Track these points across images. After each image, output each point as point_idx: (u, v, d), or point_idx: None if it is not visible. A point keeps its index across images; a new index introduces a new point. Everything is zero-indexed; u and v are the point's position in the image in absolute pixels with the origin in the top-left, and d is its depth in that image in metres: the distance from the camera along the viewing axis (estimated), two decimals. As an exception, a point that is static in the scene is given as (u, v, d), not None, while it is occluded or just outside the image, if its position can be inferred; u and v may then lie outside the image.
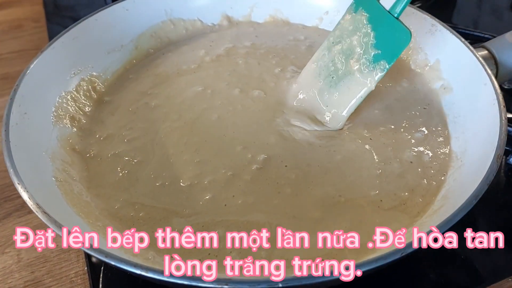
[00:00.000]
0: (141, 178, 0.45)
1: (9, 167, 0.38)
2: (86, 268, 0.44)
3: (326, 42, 0.51)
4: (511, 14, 0.74)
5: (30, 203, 0.35)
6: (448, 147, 0.46)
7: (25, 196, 0.36)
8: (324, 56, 0.51)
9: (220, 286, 0.29)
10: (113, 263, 0.31)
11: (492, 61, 0.49)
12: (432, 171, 0.44)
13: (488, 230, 0.45)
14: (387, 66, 0.45)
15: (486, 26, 0.52)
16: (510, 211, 0.46)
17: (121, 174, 0.45)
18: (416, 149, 0.46)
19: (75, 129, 0.49)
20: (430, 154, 0.46)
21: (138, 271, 0.30)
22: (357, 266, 0.30)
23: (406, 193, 0.42)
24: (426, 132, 0.48)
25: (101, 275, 0.43)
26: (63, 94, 0.51)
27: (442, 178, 0.43)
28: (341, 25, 0.49)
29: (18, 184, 0.37)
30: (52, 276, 0.44)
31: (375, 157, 0.46)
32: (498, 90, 0.43)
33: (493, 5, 0.77)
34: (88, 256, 0.45)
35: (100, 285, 0.43)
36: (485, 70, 0.45)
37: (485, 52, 0.50)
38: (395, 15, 0.45)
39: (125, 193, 0.44)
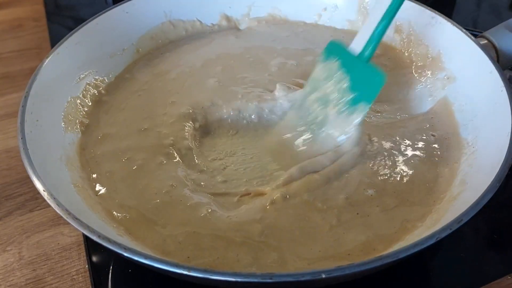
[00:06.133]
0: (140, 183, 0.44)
1: (31, 175, 0.37)
2: (87, 266, 0.44)
3: (301, 92, 0.50)
4: (510, 13, 0.76)
5: (58, 209, 0.35)
6: (457, 135, 0.48)
7: (52, 203, 0.35)
8: (300, 106, 0.49)
9: (264, 280, 0.30)
10: (155, 265, 0.31)
11: (493, 50, 0.51)
12: (441, 159, 0.46)
13: (487, 229, 0.47)
14: (367, 107, 0.45)
15: (485, 25, 0.53)
16: (509, 209, 0.48)
17: (123, 176, 0.45)
18: (423, 138, 0.48)
19: (85, 134, 0.49)
20: (437, 143, 0.47)
21: (180, 271, 0.30)
22: (396, 254, 0.31)
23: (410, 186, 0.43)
24: (431, 122, 0.49)
25: (110, 274, 0.43)
26: (71, 99, 0.50)
27: (455, 165, 0.45)
28: (313, 75, 0.49)
29: (44, 191, 0.36)
30: (53, 274, 0.44)
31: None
32: (505, 77, 0.44)
33: (492, 5, 0.80)
34: (89, 254, 0.45)
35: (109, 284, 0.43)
36: (490, 58, 0.47)
37: (485, 41, 0.51)
38: (365, 60, 0.46)
39: (132, 199, 0.43)
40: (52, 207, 0.35)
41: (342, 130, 0.46)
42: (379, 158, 0.46)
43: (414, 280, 0.43)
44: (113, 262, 0.44)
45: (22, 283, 0.44)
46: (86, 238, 0.46)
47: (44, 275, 0.44)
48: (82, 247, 0.46)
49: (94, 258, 0.45)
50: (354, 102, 0.45)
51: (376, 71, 0.45)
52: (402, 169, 0.45)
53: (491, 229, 0.47)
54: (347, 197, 0.42)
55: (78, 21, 0.57)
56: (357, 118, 0.45)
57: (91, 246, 0.46)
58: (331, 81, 0.47)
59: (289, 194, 0.42)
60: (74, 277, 0.44)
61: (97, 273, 0.44)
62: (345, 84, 0.46)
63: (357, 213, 0.41)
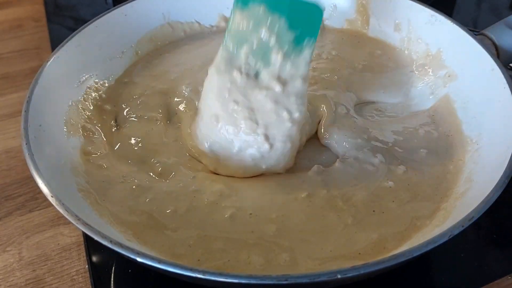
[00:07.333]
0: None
1: (38, 180, 0.37)
2: (87, 266, 0.45)
3: (217, 61, 0.45)
4: (510, 13, 0.76)
5: (67, 215, 0.35)
6: (460, 132, 0.48)
7: (61, 209, 0.35)
8: (227, 65, 0.44)
9: (280, 282, 0.30)
10: (169, 269, 0.31)
11: (493, 47, 0.51)
12: (445, 156, 0.46)
13: (487, 229, 0.47)
14: (313, 42, 0.43)
15: (485, 26, 0.54)
16: (509, 209, 0.48)
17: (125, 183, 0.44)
18: (426, 136, 0.48)
19: (87, 139, 0.48)
20: (440, 140, 0.48)
21: (194, 275, 0.30)
22: (410, 252, 0.31)
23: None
24: (433, 120, 0.50)
25: (112, 274, 0.43)
26: (72, 104, 0.50)
27: (460, 162, 0.45)
28: (232, 28, 0.44)
29: (52, 197, 0.36)
30: (53, 274, 0.44)
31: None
32: (507, 74, 0.45)
33: (493, 5, 0.80)
34: (89, 254, 0.45)
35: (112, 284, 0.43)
36: (491, 56, 0.47)
37: (485, 39, 0.52)
38: None
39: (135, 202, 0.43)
40: (52, 209, 0.36)
41: (295, 73, 0.43)
42: (387, 152, 0.46)
43: (414, 279, 0.43)
44: (115, 262, 0.44)
45: (22, 283, 0.44)
46: (86, 239, 0.46)
47: (44, 275, 0.44)
48: (82, 247, 0.46)
49: (94, 258, 0.45)
50: (298, 40, 0.43)
51: (310, 3, 0.42)
52: (411, 165, 0.45)
53: (491, 228, 0.47)
54: (370, 192, 0.42)
55: (78, 21, 0.56)
56: (307, 56, 0.43)
57: (91, 246, 0.46)
58: (263, 28, 0.43)
59: (309, 191, 0.42)
60: (74, 277, 0.44)
61: (97, 273, 0.44)
62: (283, 26, 0.42)
63: (374, 210, 0.41)
